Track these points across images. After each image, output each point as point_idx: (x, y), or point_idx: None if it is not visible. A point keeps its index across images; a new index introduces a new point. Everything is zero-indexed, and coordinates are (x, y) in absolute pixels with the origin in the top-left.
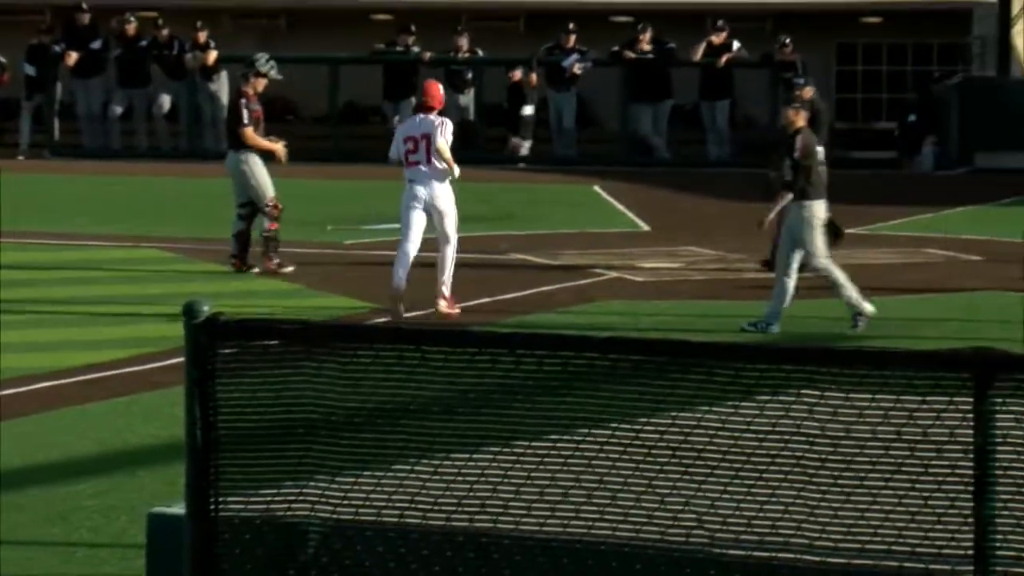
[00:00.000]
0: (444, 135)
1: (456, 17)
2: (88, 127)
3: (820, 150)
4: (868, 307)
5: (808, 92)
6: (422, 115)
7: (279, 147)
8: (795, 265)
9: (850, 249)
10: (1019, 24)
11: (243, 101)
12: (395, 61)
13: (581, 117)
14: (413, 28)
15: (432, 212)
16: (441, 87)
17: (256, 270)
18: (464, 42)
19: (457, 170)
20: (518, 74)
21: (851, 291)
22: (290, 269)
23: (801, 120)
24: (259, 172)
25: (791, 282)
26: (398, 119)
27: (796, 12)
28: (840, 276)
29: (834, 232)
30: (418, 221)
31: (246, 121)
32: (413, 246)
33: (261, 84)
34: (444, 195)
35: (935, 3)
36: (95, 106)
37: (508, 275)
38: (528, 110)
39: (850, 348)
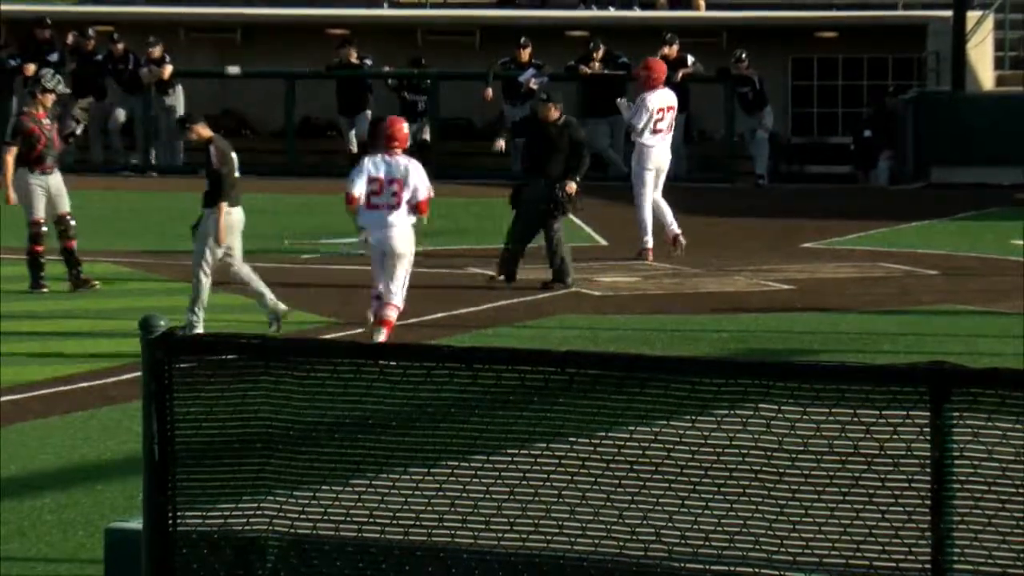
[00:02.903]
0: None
1: (412, 32)
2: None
3: (235, 155)
4: (282, 307)
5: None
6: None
7: (11, 194)
8: (211, 265)
9: (807, 263)
10: (973, 39)
11: (22, 120)
12: (350, 76)
13: None
14: (354, 41)
15: (387, 255)
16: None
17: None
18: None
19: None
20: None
21: (266, 293)
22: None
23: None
24: (25, 192)
25: (208, 281)
26: (354, 133)
27: (751, 27)
28: (255, 280)
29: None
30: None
31: (9, 139)
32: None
33: (49, 100)
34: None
35: (890, 18)
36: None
37: (465, 290)
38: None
39: (807, 362)
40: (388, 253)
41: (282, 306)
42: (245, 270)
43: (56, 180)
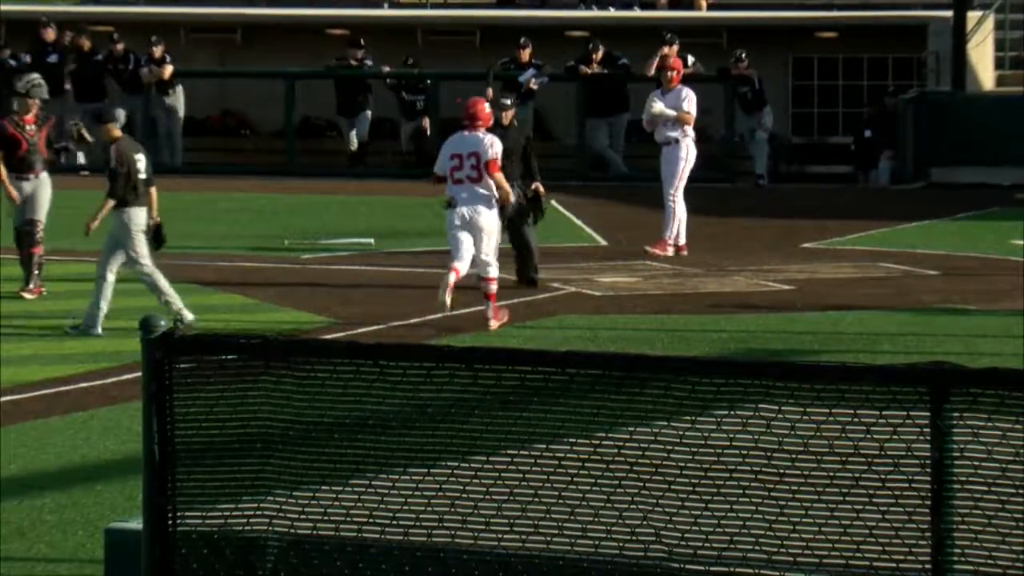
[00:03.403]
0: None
1: (412, 32)
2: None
3: (140, 157)
4: (188, 315)
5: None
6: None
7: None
8: (115, 268)
9: (807, 263)
10: (974, 40)
11: (3, 124)
12: (350, 76)
13: (538, 131)
14: (362, 42)
15: (473, 232)
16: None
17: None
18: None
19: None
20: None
21: (173, 298)
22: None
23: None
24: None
25: (110, 285)
26: (355, 133)
27: (751, 27)
28: (162, 282)
29: (157, 239)
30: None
31: None
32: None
33: (33, 104)
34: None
35: (890, 18)
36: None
37: (466, 290)
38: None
39: (807, 363)
40: (473, 226)
41: (188, 315)
42: (152, 271)
43: (34, 185)
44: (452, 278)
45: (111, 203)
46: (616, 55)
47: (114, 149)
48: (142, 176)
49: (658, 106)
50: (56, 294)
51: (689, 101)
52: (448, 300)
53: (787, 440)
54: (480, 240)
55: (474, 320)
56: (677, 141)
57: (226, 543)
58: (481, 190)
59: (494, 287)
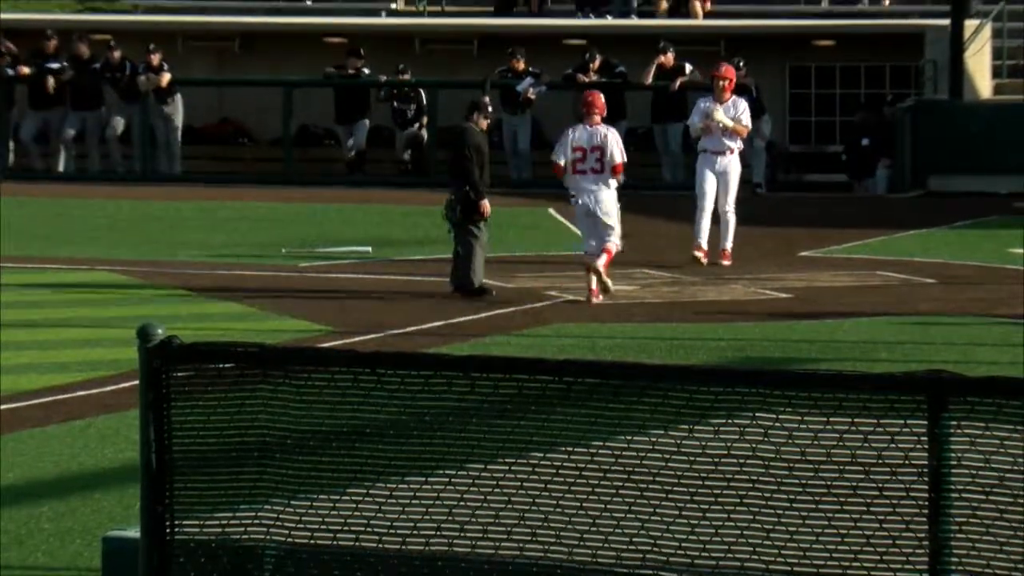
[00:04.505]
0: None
1: (409, 40)
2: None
3: None
4: None
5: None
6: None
7: None
8: None
9: (805, 272)
10: (971, 48)
11: None
12: (348, 84)
13: (535, 140)
14: (362, 51)
15: (596, 217)
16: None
17: None
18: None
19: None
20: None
21: None
22: None
23: None
24: None
25: None
26: (352, 142)
27: (749, 35)
28: None
29: None
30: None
31: None
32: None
33: None
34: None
35: (888, 27)
36: (53, 132)
37: (463, 298)
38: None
39: (805, 371)
40: (594, 214)
41: None
42: None
43: None
44: (602, 261)
45: None
46: (614, 63)
47: None
48: None
49: (720, 114)
50: (55, 302)
51: (746, 113)
52: (610, 283)
53: (784, 448)
54: (601, 222)
55: (471, 328)
56: (732, 151)
57: (223, 552)
58: (601, 179)
59: (613, 248)
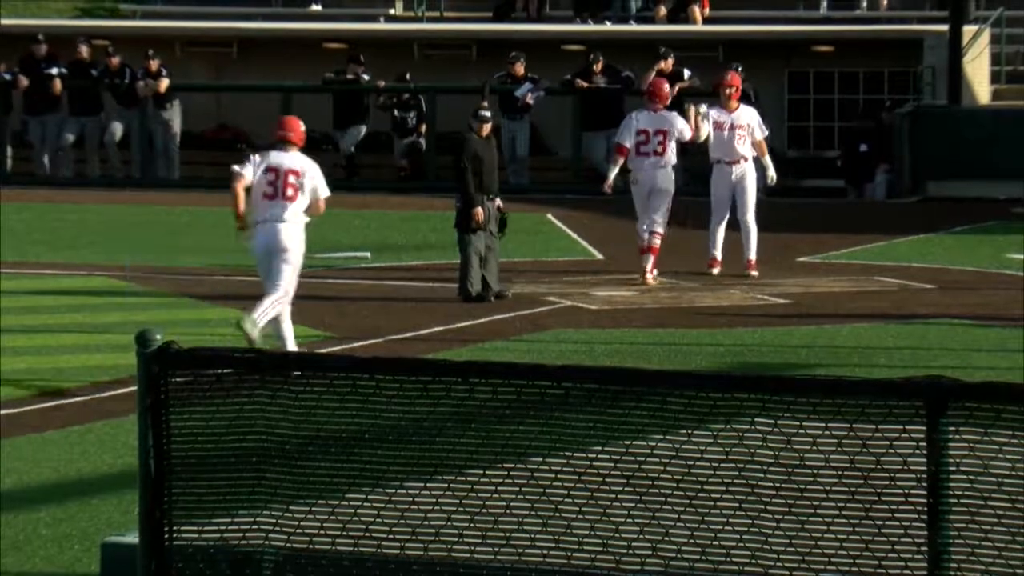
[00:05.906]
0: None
1: (408, 46)
2: (40, 156)
3: None
4: None
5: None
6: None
7: None
8: None
9: (803, 277)
10: (970, 54)
11: None
12: (347, 90)
13: (534, 145)
14: (362, 58)
15: (651, 194)
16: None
17: None
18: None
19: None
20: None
21: None
22: None
23: None
24: None
25: None
26: (345, 142)
27: (748, 41)
28: None
29: None
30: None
31: None
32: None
33: None
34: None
35: (886, 32)
36: (50, 137)
37: (462, 303)
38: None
39: (803, 377)
40: (653, 192)
41: None
42: None
43: None
44: (656, 243)
45: None
46: (617, 68)
47: None
48: None
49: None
50: (53, 308)
51: (761, 125)
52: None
53: (783, 454)
54: (657, 202)
55: (470, 333)
56: (747, 159)
57: (222, 557)
58: (662, 162)
59: (658, 241)
